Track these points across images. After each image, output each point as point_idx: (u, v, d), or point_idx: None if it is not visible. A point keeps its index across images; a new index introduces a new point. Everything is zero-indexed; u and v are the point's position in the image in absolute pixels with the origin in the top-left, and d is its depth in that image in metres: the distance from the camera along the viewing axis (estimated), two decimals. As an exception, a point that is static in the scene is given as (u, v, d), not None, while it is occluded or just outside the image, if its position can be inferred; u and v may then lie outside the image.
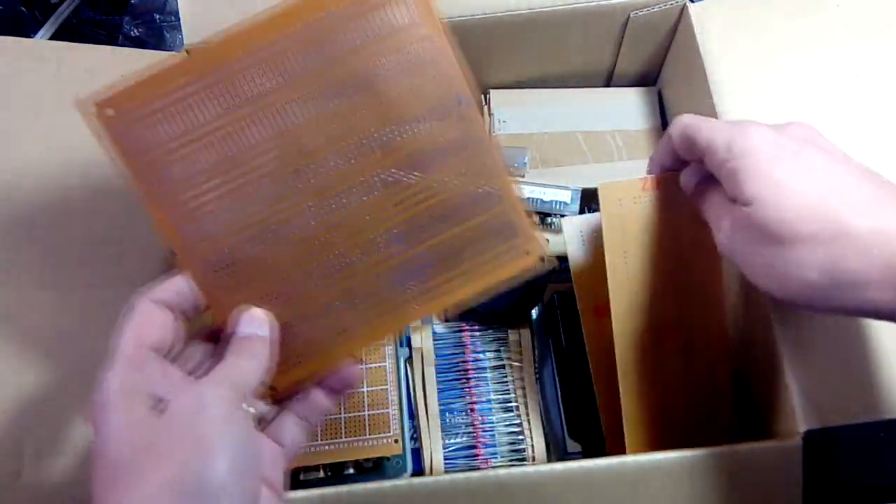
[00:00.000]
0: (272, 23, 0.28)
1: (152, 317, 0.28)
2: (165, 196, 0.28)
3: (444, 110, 0.29)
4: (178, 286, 0.29)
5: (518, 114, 0.52)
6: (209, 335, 0.30)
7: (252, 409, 0.30)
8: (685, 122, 0.32)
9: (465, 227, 0.30)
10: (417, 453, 0.43)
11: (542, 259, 0.30)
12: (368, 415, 0.42)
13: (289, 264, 0.29)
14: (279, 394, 0.30)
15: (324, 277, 0.29)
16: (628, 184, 0.36)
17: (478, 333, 0.45)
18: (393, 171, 0.29)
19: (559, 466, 0.35)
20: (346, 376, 0.31)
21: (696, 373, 0.41)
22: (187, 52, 0.28)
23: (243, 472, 0.24)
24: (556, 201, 0.48)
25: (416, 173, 0.29)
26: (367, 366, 0.44)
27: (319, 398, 0.31)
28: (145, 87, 0.27)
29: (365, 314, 0.30)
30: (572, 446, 0.44)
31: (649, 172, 0.36)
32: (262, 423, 0.31)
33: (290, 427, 0.31)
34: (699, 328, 0.40)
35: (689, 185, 0.33)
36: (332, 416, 0.42)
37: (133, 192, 0.28)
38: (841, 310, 0.27)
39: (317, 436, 0.41)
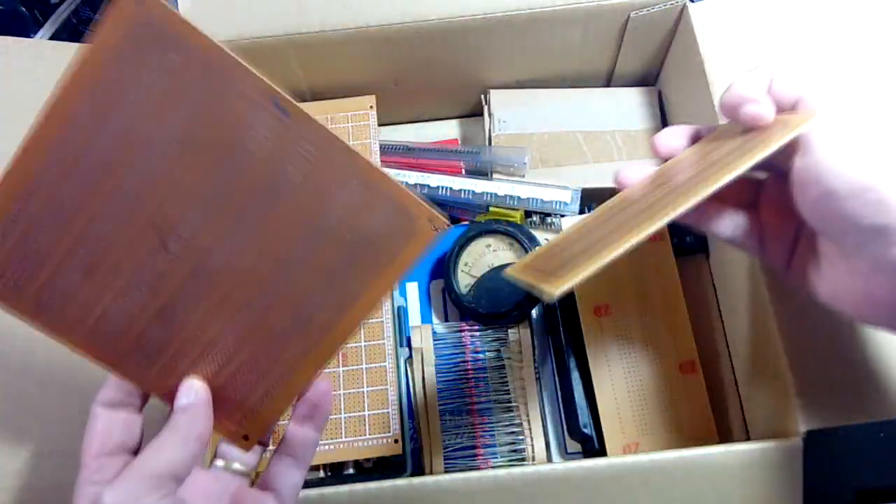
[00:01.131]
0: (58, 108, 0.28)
1: (109, 421, 0.28)
2: (65, 323, 0.29)
3: (265, 123, 0.27)
4: (118, 382, 0.29)
5: (518, 114, 0.52)
6: None
7: (237, 465, 0.30)
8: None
9: (352, 228, 0.29)
10: (417, 453, 0.43)
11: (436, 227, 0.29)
12: (368, 415, 0.42)
13: (203, 327, 0.29)
14: (251, 441, 0.30)
15: (241, 326, 0.29)
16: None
17: (478, 333, 0.45)
18: (258, 202, 0.28)
19: (559, 466, 0.35)
20: (313, 399, 0.31)
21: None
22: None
23: None
24: (556, 201, 0.48)
25: (283, 199, 0.28)
26: (368, 366, 0.44)
27: (298, 432, 0.30)
28: None
29: (300, 344, 0.29)
30: (572, 446, 0.44)
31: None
32: (256, 476, 0.31)
33: (283, 471, 0.30)
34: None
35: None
36: (333, 416, 0.42)
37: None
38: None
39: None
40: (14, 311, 0.29)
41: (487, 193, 0.49)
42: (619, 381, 0.42)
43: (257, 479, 0.31)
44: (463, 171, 0.51)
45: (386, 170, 0.29)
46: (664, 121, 0.52)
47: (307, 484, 0.31)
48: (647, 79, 0.54)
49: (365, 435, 0.42)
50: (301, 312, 0.29)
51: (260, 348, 0.29)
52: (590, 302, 0.44)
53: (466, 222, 0.50)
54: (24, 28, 0.63)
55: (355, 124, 0.50)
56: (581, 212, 0.48)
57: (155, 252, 0.28)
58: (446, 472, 0.42)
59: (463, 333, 0.46)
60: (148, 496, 0.25)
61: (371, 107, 0.50)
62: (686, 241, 0.46)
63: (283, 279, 0.29)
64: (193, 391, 0.29)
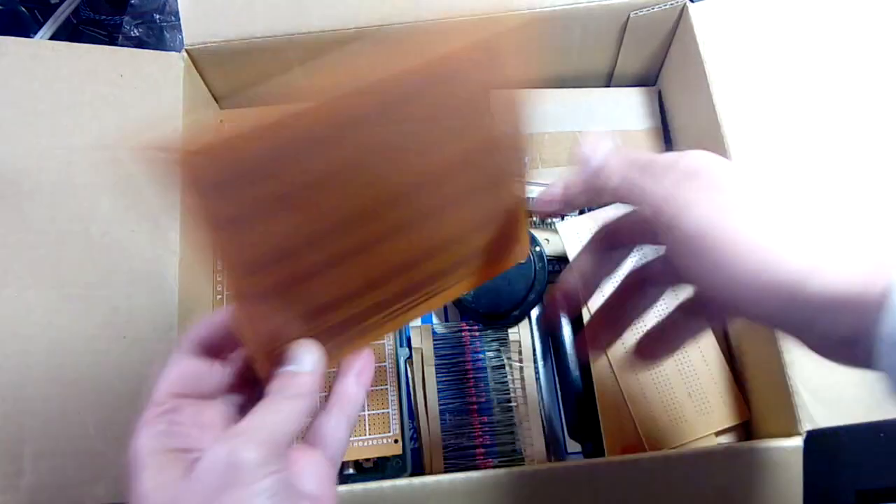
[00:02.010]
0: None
1: (187, 362, 0.27)
2: (226, 223, 0.26)
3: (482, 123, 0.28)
4: (213, 326, 0.27)
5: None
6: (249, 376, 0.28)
7: None
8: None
9: (473, 230, 0.30)
10: (417, 453, 0.43)
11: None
12: (368, 415, 0.42)
13: (333, 290, 0.28)
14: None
15: (358, 297, 0.29)
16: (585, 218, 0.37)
17: (478, 333, 0.45)
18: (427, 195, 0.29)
19: (559, 466, 0.35)
20: (362, 356, 0.30)
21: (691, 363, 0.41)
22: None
23: None
24: (556, 201, 0.48)
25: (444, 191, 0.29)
26: (367, 366, 0.44)
27: (350, 387, 0.29)
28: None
29: (375, 319, 0.30)
30: (572, 446, 0.44)
31: None
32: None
33: (332, 425, 0.28)
34: None
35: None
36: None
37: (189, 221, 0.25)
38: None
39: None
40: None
41: (487, 193, 0.49)
42: (620, 381, 0.42)
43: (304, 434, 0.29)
44: (463, 171, 0.51)
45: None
46: (664, 121, 0.52)
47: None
48: (647, 79, 0.54)
49: (365, 435, 0.42)
50: (398, 293, 0.30)
51: (351, 318, 0.29)
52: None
53: (466, 222, 0.50)
54: (24, 28, 0.63)
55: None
56: (581, 212, 0.48)
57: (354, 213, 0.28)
58: (446, 472, 0.42)
59: (463, 333, 0.46)
60: (273, 464, 0.23)
61: None
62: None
63: (412, 266, 0.30)
64: (316, 358, 0.27)
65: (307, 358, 0.27)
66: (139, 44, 0.63)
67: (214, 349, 0.28)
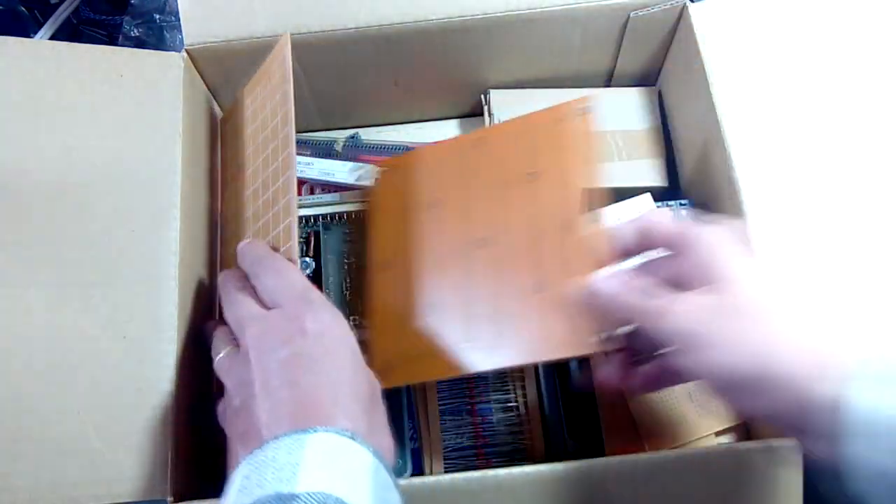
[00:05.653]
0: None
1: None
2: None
3: None
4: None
5: (518, 114, 0.52)
6: None
7: None
8: (649, 216, 0.35)
9: None
10: (417, 453, 0.43)
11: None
12: (368, 415, 0.42)
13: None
14: None
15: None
16: None
17: (478, 333, 0.45)
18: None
19: (559, 466, 0.35)
20: None
21: None
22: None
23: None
24: (556, 201, 0.48)
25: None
26: (367, 366, 0.44)
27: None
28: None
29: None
30: (572, 446, 0.44)
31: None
32: None
33: None
34: None
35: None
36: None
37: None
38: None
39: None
40: None
41: (487, 193, 0.49)
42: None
43: None
44: (463, 171, 0.51)
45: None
46: (664, 121, 0.52)
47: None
48: (647, 79, 0.54)
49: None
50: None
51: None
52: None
53: (466, 222, 0.50)
54: (24, 28, 0.63)
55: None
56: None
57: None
58: (446, 472, 0.42)
59: (463, 333, 0.46)
60: None
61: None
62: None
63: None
64: None
65: None
66: (139, 44, 0.63)
67: None
